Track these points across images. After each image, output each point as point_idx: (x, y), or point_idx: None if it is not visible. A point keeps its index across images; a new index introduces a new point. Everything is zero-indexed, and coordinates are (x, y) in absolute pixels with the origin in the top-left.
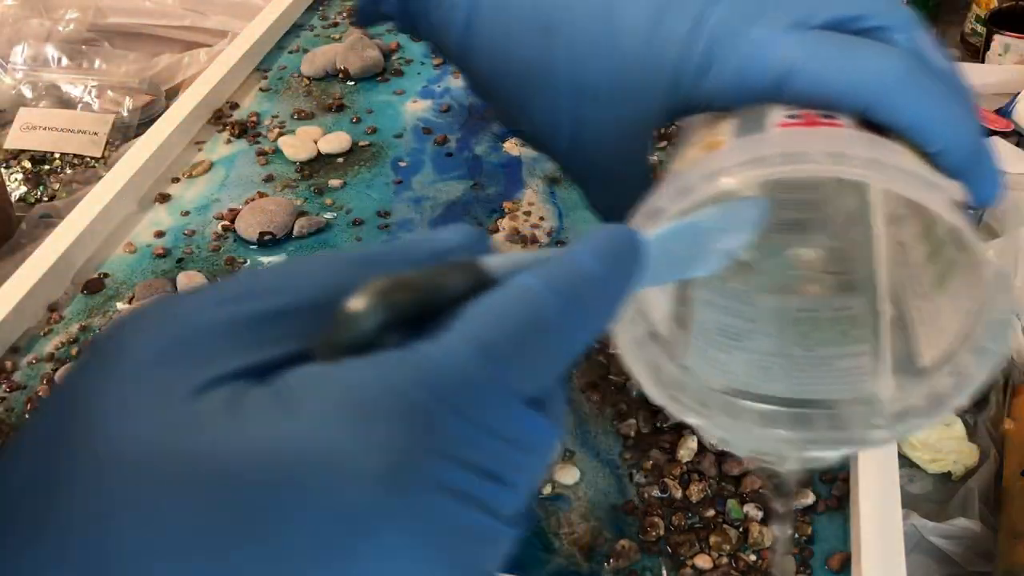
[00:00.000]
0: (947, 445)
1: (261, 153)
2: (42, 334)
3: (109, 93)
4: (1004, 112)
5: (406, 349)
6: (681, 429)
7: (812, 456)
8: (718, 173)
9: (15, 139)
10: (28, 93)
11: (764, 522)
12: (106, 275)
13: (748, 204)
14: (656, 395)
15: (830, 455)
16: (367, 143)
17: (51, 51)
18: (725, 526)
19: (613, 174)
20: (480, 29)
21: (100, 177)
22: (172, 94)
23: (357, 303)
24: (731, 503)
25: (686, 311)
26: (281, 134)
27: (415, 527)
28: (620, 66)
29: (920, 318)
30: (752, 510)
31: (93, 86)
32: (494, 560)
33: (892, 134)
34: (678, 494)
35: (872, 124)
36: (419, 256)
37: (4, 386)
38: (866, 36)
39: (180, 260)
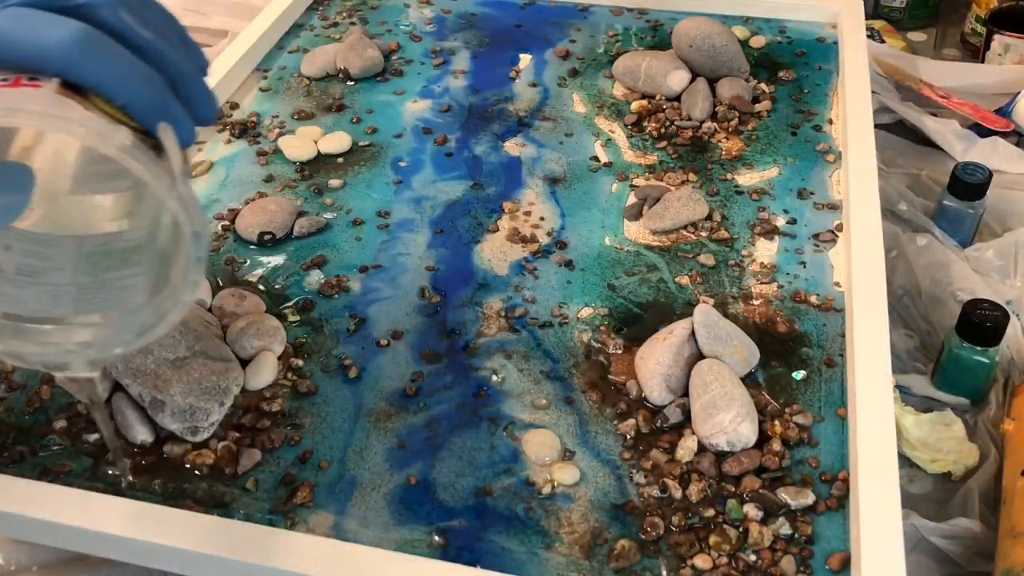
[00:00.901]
0: (947, 445)
1: (261, 153)
2: None
3: None
4: (1004, 112)
5: None
6: (681, 429)
7: (95, 359)
8: None
9: None
10: None
11: (764, 522)
12: None
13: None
14: None
15: (108, 355)
16: (367, 143)
17: None
18: (725, 526)
19: None
20: None
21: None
22: None
23: None
24: (731, 503)
25: None
26: (281, 134)
27: None
28: None
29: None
30: (752, 510)
31: None
32: None
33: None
34: (678, 494)
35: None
36: None
37: (4, 386)
38: (76, 12)
39: None
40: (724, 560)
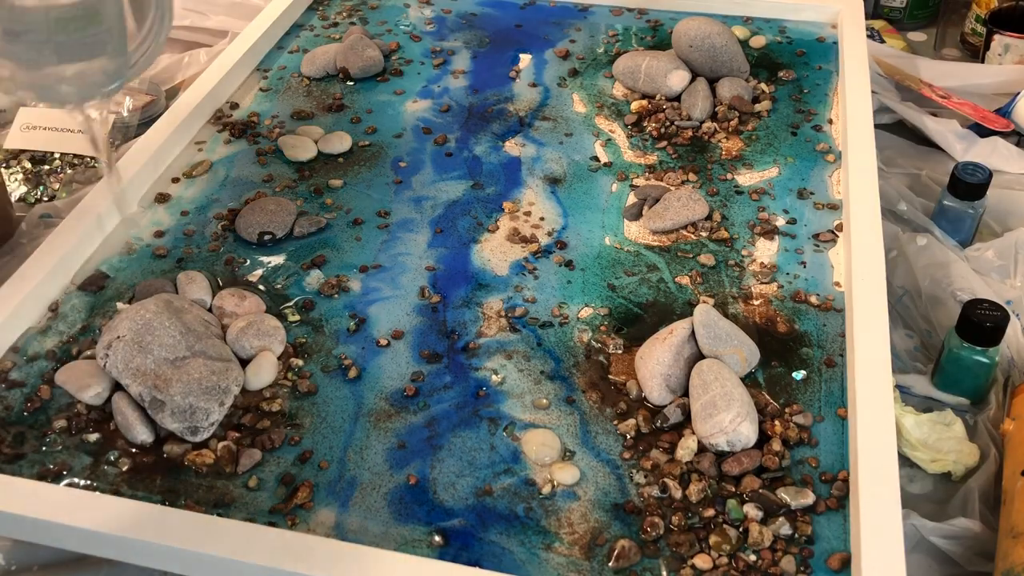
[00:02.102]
0: (947, 445)
1: (261, 153)
2: (42, 334)
3: None
4: (1004, 112)
5: None
6: (681, 429)
7: (87, 94)
8: None
9: (15, 139)
10: None
11: (764, 522)
12: (106, 275)
13: None
14: None
15: (97, 91)
16: (367, 143)
17: None
18: (725, 526)
19: None
20: None
21: (100, 177)
22: (172, 94)
23: None
24: (731, 503)
25: None
26: (281, 134)
27: None
28: None
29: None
30: (752, 510)
31: None
32: None
33: None
34: (678, 494)
35: None
36: None
37: (4, 385)
38: None
39: (180, 260)
40: (724, 560)
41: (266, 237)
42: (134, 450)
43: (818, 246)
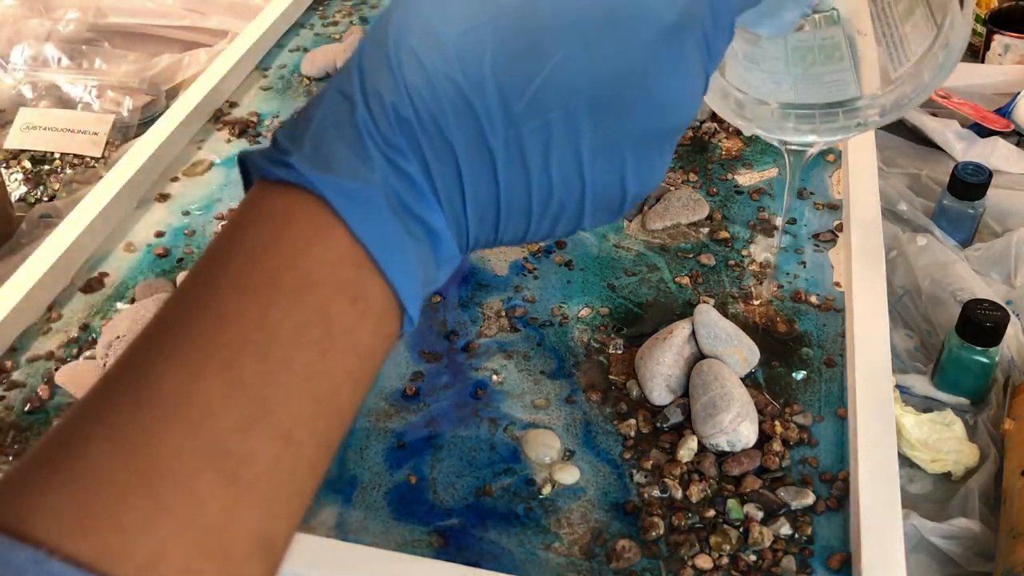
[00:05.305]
0: (947, 445)
1: None
2: (42, 334)
3: (109, 93)
4: (1004, 112)
5: None
6: (681, 429)
7: (812, 140)
8: None
9: (15, 139)
10: (28, 93)
11: (765, 522)
12: (106, 275)
13: None
14: (718, 107)
15: (822, 139)
16: None
17: (51, 51)
18: (725, 526)
19: None
20: None
21: (100, 177)
22: (172, 94)
23: None
24: (731, 503)
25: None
26: None
27: None
28: None
29: (891, 43)
30: (752, 510)
31: (93, 86)
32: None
33: None
34: (678, 494)
35: None
36: None
37: (4, 385)
38: None
39: (180, 260)
40: (725, 560)
41: None
42: None
43: (818, 246)
